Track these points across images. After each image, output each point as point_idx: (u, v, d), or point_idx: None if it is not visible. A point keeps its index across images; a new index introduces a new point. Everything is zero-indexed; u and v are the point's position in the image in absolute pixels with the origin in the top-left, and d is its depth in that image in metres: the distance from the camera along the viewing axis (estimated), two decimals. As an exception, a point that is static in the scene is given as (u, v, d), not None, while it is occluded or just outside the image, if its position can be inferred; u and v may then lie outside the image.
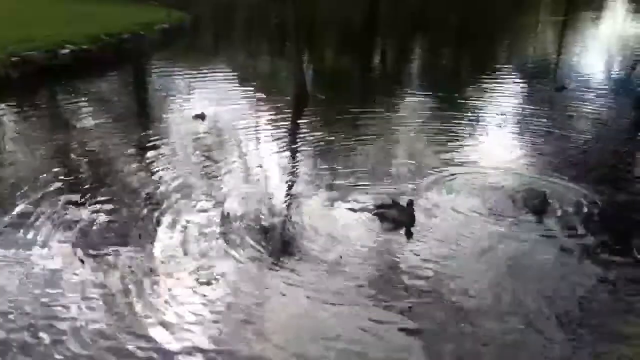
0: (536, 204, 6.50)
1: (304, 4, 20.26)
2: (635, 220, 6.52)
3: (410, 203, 6.28)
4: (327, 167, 7.98)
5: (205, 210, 6.50)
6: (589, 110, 11.25)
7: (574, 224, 6.24)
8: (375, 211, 6.40)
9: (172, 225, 6.11)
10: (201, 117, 10.03)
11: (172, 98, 11.84)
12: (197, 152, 8.54)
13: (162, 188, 7.11)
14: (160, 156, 8.26)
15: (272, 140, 9.27)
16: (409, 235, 6.05)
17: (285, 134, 9.65)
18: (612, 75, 15.19)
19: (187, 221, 6.19)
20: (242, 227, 6.13)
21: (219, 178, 7.54)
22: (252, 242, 5.79)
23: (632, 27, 26.92)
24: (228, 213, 6.42)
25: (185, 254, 5.55)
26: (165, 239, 5.83)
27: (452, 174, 7.57)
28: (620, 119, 10.81)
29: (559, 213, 6.44)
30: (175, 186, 7.15)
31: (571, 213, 6.46)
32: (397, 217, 6.26)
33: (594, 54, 18.97)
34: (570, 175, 7.52)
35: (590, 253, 5.65)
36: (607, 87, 13.50)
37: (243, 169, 7.92)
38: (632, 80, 14.30)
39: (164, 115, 10.60)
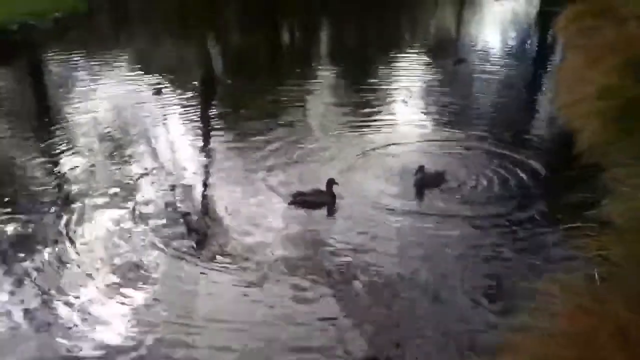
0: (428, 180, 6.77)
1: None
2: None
3: (330, 183, 6.39)
4: (239, 153, 7.95)
5: (118, 205, 6.37)
6: (485, 80, 11.98)
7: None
8: (295, 199, 6.40)
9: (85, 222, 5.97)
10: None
11: (68, 91, 11.24)
12: (103, 145, 8.28)
13: (70, 185, 6.89)
14: (63, 151, 7.97)
15: (182, 129, 9.12)
16: (330, 213, 6.18)
17: (195, 121, 9.50)
18: (506, 47, 16.06)
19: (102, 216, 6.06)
20: (158, 219, 6.06)
21: (128, 170, 7.38)
22: (169, 233, 5.75)
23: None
24: (142, 205, 6.33)
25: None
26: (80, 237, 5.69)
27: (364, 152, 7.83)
28: (513, 86, 11.58)
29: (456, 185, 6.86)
30: (83, 180, 6.97)
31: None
32: (318, 200, 6.36)
33: (489, 28, 19.94)
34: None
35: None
36: (500, 58, 14.26)
37: (152, 160, 7.75)
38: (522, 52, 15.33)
39: (63, 110, 10.09)
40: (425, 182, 6.72)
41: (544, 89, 11.44)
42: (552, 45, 14.90)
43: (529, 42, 17.09)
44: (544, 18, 18.53)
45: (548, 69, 12.84)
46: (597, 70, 8.51)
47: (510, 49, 15.65)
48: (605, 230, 4.56)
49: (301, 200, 6.37)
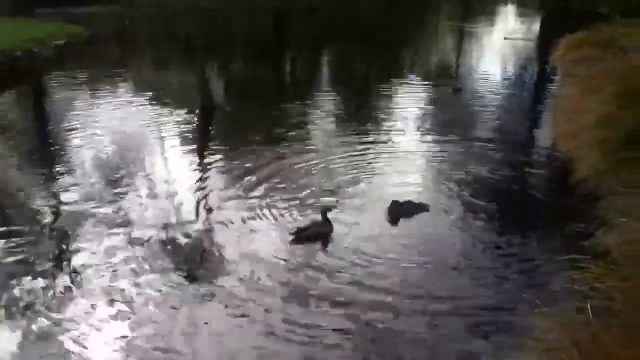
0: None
1: (211, 17, 20.18)
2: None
3: (325, 212, 6.30)
4: (239, 180, 7.87)
5: (115, 229, 6.32)
6: (480, 108, 12.03)
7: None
8: (295, 236, 6.17)
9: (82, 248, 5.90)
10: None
11: (70, 118, 11.24)
12: (102, 169, 8.27)
13: (71, 207, 6.86)
14: (64, 177, 7.96)
15: (181, 155, 9.11)
16: (325, 245, 6.09)
17: (193, 147, 9.48)
18: (504, 77, 16.13)
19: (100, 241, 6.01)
20: (155, 245, 5.98)
21: (126, 195, 7.34)
22: (166, 261, 5.66)
23: (521, 31, 28.82)
24: (138, 231, 6.26)
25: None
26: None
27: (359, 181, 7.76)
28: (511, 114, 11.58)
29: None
30: (83, 203, 6.96)
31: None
32: (317, 232, 6.23)
33: (487, 58, 20.10)
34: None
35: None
36: (499, 87, 14.28)
37: (151, 185, 7.71)
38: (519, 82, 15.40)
39: (63, 135, 10.10)
40: (405, 212, 6.63)
41: (542, 117, 11.40)
42: (550, 74, 14.93)
43: (527, 70, 17.19)
44: (543, 47, 18.71)
45: (547, 98, 12.83)
46: (595, 99, 8.49)
47: (509, 78, 15.73)
48: (601, 262, 4.44)
49: (302, 236, 6.16)
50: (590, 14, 14.90)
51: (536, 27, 31.37)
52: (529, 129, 10.71)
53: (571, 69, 12.23)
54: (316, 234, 6.21)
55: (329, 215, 6.37)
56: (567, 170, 7.15)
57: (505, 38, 22.03)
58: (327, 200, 7.08)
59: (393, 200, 6.69)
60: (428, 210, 6.72)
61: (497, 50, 21.58)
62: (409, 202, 6.74)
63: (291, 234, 6.18)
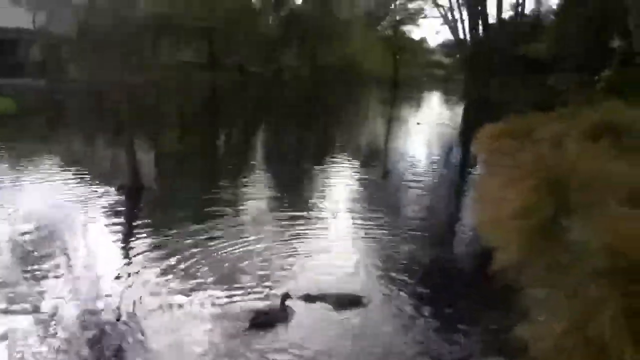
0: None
1: (139, 94, 20.05)
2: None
3: (284, 299, 6.12)
4: (166, 264, 7.50)
5: (26, 325, 5.79)
6: (406, 194, 12.35)
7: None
8: (250, 322, 5.90)
9: None
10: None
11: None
12: (21, 255, 7.66)
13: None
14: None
15: (105, 239, 8.64)
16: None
17: (119, 229, 9.08)
18: (429, 163, 16.78)
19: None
20: (72, 336, 5.51)
21: (44, 278, 6.84)
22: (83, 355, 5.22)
23: (446, 117, 30.48)
24: (53, 320, 5.78)
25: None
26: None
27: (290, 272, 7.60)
28: (434, 202, 11.86)
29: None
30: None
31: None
32: (272, 319, 5.99)
33: (414, 143, 20.97)
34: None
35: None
36: (423, 173, 14.78)
37: (71, 268, 7.20)
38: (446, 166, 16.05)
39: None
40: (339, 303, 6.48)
41: (464, 205, 11.77)
42: (472, 162, 15.64)
43: (451, 157, 18.01)
44: (465, 134, 19.76)
45: (468, 186, 13.32)
46: (513, 190, 8.85)
47: (433, 165, 16.32)
48: (519, 358, 4.44)
49: (257, 323, 5.89)
50: (507, 106, 15.89)
51: (458, 114, 33.29)
52: (452, 217, 10.97)
53: (491, 158, 12.88)
54: (271, 321, 5.97)
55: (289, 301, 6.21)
56: (488, 260, 7.28)
57: (417, 123, 23.59)
58: (250, 284, 6.85)
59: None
60: (363, 304, 6.56)
61: (424, 135, 22.58)
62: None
63: (250, 320, 5.92)
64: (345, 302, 6.52)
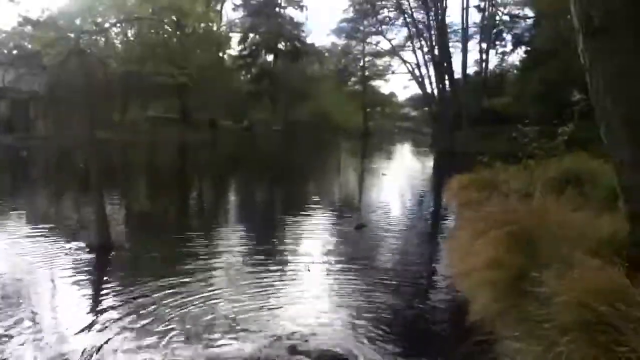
0: None
1: (108, 151, 19.96)
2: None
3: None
4: (138, 327, 7.22)
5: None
6: (381, 246, 12.38)
7: None
8: None
9: None
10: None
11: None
12: None
13: None
14: None
15: (73, 302, 8.30)
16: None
17: (88, 292, 8.77)
18: (402, 214, 16.93)
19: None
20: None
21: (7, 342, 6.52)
22: None
23: (418, 168, 30.98)
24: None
25: None
26: None
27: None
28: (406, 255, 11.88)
29: None
30: None
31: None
32: None
33: (386, 195, 21.17)
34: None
35: None
36: (396, 225, 14.85)
37: (36, 334, 6.88)
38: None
39: None
40: None
41: (438, 256, 11.81)
42: (443, 213, 15.84)
43: (423, 208, 18.22)
44: (435, 187, 20.05)
45: (441, 237, 13.40)
46: (484, 241, 8.94)
47: (405, 217, 16.44)
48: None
49: None
50: (474, 157, 16.25)
51: (427, 165, 33.90)
52: (426, 267, 10.98)
53: (461, 209, 13.05)
54: None
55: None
56: (462, 312, 7.27)
57: (382, 174, 24.37)
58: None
59: None
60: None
61: (395, 187, 22.85)
62: None
63: None
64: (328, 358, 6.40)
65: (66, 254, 10.59)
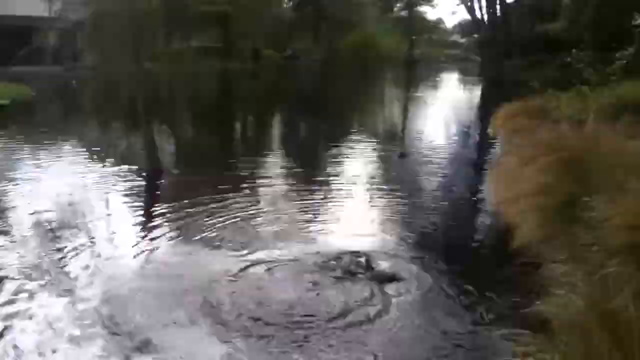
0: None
1: (155, 81, 20.20)
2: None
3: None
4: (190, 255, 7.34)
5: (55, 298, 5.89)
6: (425, 174, 12.31)
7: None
8: None
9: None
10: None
11: (9, 180, 10.72)
12: (44, 240, 7.69)
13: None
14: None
15: (127, 222, 8.66)
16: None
17: (143, 216, 9.06)
18: (446, 144, 16.71)
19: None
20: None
21: (69, 262, 6.85)
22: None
23: (465, 98, 30.26)
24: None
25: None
26: None
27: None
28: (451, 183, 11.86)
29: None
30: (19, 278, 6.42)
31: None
32: None
33: (430, 124, 20.87)
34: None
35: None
36: (440, 154, 14.68)
37: (95, 251, 7.27)
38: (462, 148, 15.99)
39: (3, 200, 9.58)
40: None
41: (483, 184, 11.71)
42: (490, 142, 15.53)
43: (470, 138, 17.91)
44: (482, 116, 19.59)
45: (487, 166, 13.23)
46: (532, 168, 8.80)
47: (452, 145, 16.23)
48: (539, 334, 4.45)
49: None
50: (525, 85, 15.72)
51: (475, 94, 32.99)
52: (471, 195, 10.94)
53: (509, 138, 12.77)
54: None
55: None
56: (507, 237, 7.25)
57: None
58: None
59: None
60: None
61: (441, 117, 22.46)
62: None
63: None
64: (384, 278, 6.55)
65: (119, 176, 11.05)
